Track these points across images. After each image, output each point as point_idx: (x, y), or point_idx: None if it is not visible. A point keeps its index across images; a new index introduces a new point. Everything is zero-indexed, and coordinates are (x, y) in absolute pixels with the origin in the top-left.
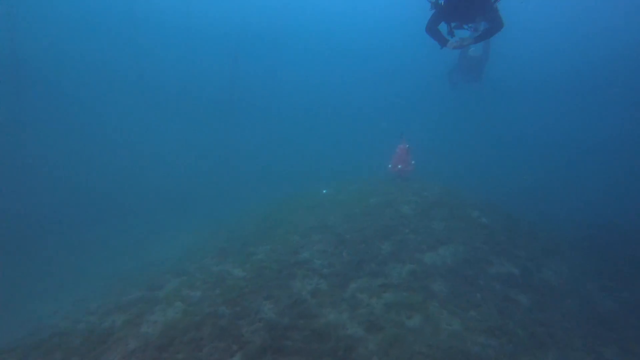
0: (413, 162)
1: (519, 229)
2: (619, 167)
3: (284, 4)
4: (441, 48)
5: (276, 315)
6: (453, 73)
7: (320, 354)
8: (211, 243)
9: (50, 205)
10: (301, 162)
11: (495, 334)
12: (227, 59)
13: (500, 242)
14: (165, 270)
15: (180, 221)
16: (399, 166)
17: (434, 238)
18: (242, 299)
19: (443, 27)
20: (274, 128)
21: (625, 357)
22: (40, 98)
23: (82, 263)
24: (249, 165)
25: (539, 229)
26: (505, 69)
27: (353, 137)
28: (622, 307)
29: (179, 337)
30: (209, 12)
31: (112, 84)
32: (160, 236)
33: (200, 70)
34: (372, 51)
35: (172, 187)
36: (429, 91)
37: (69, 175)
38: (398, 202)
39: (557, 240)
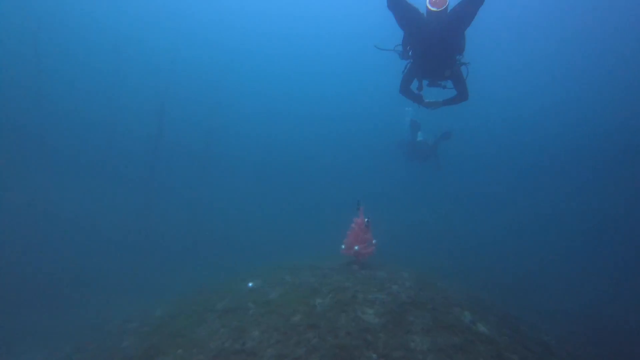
0: (374, 241)
1: (529, 340)
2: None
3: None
4: (419, 106)
5: None
6: (400, 147)
7: None
8: None
9: None
10: (223, 237)
11: None
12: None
13: None
14: None
15: (51, 324)
16: (356, 247)
17: None
18: None
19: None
20: (194, 188)
21: None
22: None
23: None
24: (160, 239)
25: (547, 336)
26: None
27: (292, 205)
28: None
29: None
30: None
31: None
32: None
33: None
34: (323, 106)
35: (53, 274)
36: (386, 153)
37: None
38: (357, 302)
39: (579, 357)
